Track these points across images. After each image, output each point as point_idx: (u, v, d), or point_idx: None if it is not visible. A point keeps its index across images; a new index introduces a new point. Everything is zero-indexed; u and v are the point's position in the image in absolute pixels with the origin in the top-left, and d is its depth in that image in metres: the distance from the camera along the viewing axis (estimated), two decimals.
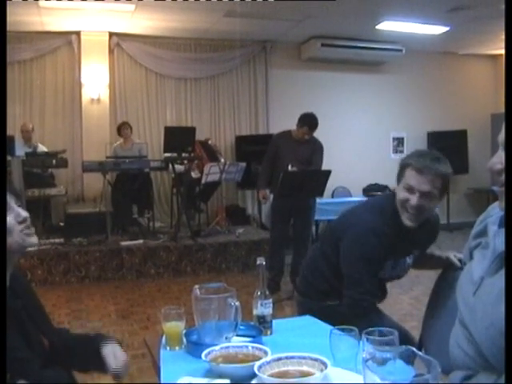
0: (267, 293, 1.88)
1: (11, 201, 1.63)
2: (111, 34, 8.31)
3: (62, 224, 7.30)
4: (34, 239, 1.68)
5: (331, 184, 6.50)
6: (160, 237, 7.05)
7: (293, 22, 7.85)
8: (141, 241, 6.80)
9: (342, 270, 2.35)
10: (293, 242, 5.70)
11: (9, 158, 6.37)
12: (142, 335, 4.38)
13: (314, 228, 7.47)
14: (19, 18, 7.29)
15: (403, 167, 2.23)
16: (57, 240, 6.65)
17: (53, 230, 7.22)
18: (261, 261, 1.88)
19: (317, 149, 5.64)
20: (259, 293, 1.87)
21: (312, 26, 8.05)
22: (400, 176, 2.24)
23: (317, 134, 5.70)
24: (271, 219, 5.89)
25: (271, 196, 5.70)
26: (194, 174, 7.53)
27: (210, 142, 8.28)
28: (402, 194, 2.21)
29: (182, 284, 6.16)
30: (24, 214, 1.64)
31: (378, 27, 8.07)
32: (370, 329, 1.42)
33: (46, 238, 6.56)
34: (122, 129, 7.83)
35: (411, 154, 2.25)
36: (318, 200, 5.88)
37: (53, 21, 7.59)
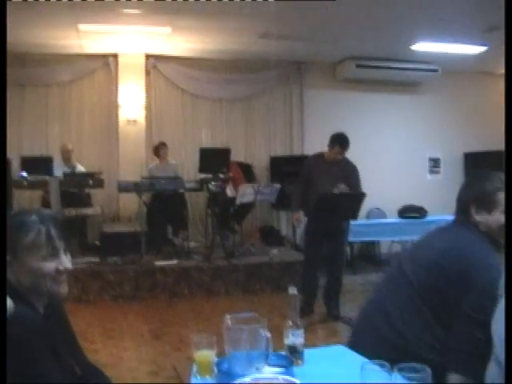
0: (299, 323, 1.85)
1: (61, 247, 1.63)
2: (148, 56, 8.42)
3: (97, 243, 7.36)
4: (64, 289, 1.67)
5: (366, 205, 6.41)
6: (194, 257, 7.07)
7: (327, 43, 7.85)
8: (175, 261, 6.82)
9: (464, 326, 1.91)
10: (327, 264, 5.65)
11: (47, 177, 6.55)
12: (174, 357, 4.39)
13: (348, 250, 7.40)
14: (58, 42, 7.48)
15: (492, 193, 2.07)
16: (92, 259, 6.72)
17: (88, 248, 7.30)
18: (293, 290, 1.86)
19: (351, 170, 5.58)
20: (290, 323, 1.85)
21: (346, 46, 8.04)
22: (490, 203, 2.07)
23: (352, 155, 5.65)
24: (305, 241, 5.86)
25: (305, 218, 5.67)
26: (230, 193, 7.55)
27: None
28: (501, 219, 2.02)
29: (214, 304, 6.15)
30: (68, 265, 1.64)
31: (413, 47, 8.01)
32: (403, 364, 1.39)
33: (81, 257, 6.66)
34: (159, 149, 7.89)
35: (485, 178, 2.13)
36: (352, 221, 5.81)
37: (91, 43, 7.75)
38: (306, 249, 5.85)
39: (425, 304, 1.99)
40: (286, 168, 8.10)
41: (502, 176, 2.05)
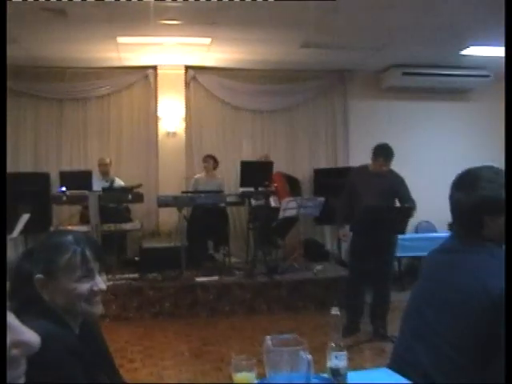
0: (342, 344, 1.81)
1: (95, 267, 1.67)
2: (187, 68, 8.51)
3: (136, 258, 7.42)
4: (98, 310, 1.69)
5: (414, 218, 6.24)
6: (235, 273, 7.07)
7: (371, 51, 7.79)
8: (216, 277, 6.83)
9: None
10: (373, 281, 5.58)
11: (86, 192, 6.64)
12: (215, 376, 4.38)
13: (396, 265, 7.28)
14: (97, 55, 7.66)
15: (500, 194, 1.80)
16: (131, 275, 6.78)
17: (128, 264, 7.35)
18: (335, 311, 1.83)
19: (399, 183, 5.51)
20: (333, 344, 1.81)
21: (392, 54, 7.96)
22: (501, 205, 1.80)
23: (400, 166, 5.58)
24: (350, 256, 5.82)
25: (350, 233, 5.62)
26: (274, 203, 7.55)
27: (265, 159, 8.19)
28: (503, 221, 1.81)
29: (256, 322, 6.13)
30: (102, 286, 1.67)
31: (463, 53, 7.88)
32: None
33: (120, 273, 6.72)
34: (204, 161, 7.96)
35: (485, 176, 1.85)
36: (400, 235, 5.73)
37: (130, 56, 7.88)
38: (351, 264, 5.80)
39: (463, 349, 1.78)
40: (330, 181, 8.01)
41: (493, 168, 1.88)
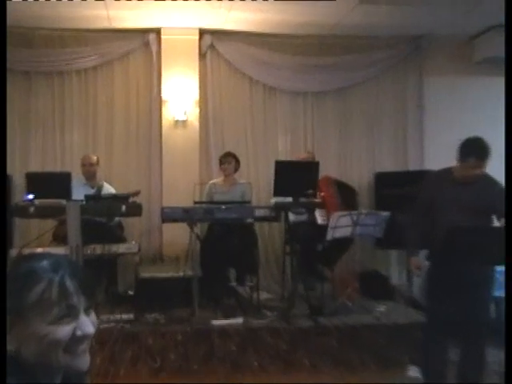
0: None
1: (80, 303, 1.61)
2: (202, 32, 8.47)
3: (131, 293, 7.40)
4: (84, 363, 1.65)
5: None
6: (266, 314, 7.02)
7: (460, 10, 7.69)
8: (240, 319, 6.80)
9: None
10: (461, 329, 5.41)
11: (63, 202, 6.61)
12: None
13: (492, 309, 7.01)
14: (79, 13, 7.59)
15: None
16: (124, 316, 6.70)
17: (119, 300, 7.28)
18: (415, 372, 1.79)
19: (496, 193, 5.32)
20: None
21: (489, 13, 7.81)
22: None
23: (498, 169, 5.42)
24: (427, 294, 5.68)
25: (427, 263, 5.51)
26: (320, 219, 7.52)
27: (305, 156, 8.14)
28: None
29: (295, 382, 6.05)
30: (89, 330, 1.62)
31: None
32: None
33: (109, 313, 6.66)
34: (223, 162, 7.92)
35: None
36: (498, 268, 5.63)
37: (124, 15, 7.86)
38: (429, 306, 5.64)
39: None
40: (397, 189, 7.98)
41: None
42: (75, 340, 1.60)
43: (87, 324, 1.62)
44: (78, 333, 1.60)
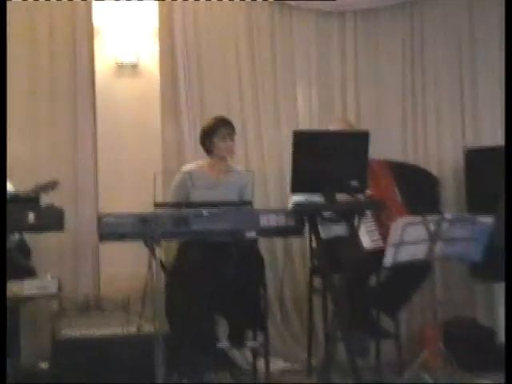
0: None
1: None
2: None
3: (44, 365, 5.82)
4: None
5: None
6: None
7: None
8: None
9: None
10: None
11: None
12: None
13: None
14: None
15: None
16: None
17: (23, 378, 5.72)
18: None
19: None
20: None
21: None
22: None
23: None
24: None
25: None
26: (370, 240, 5.89)
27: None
28: None
29: None
30: None
31: None
32: None
33: None
34: (220, 134, 6.05)
35: None
36: None
37: None
38: None
39: None
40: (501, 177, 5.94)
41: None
42: None
43: None
44: None
